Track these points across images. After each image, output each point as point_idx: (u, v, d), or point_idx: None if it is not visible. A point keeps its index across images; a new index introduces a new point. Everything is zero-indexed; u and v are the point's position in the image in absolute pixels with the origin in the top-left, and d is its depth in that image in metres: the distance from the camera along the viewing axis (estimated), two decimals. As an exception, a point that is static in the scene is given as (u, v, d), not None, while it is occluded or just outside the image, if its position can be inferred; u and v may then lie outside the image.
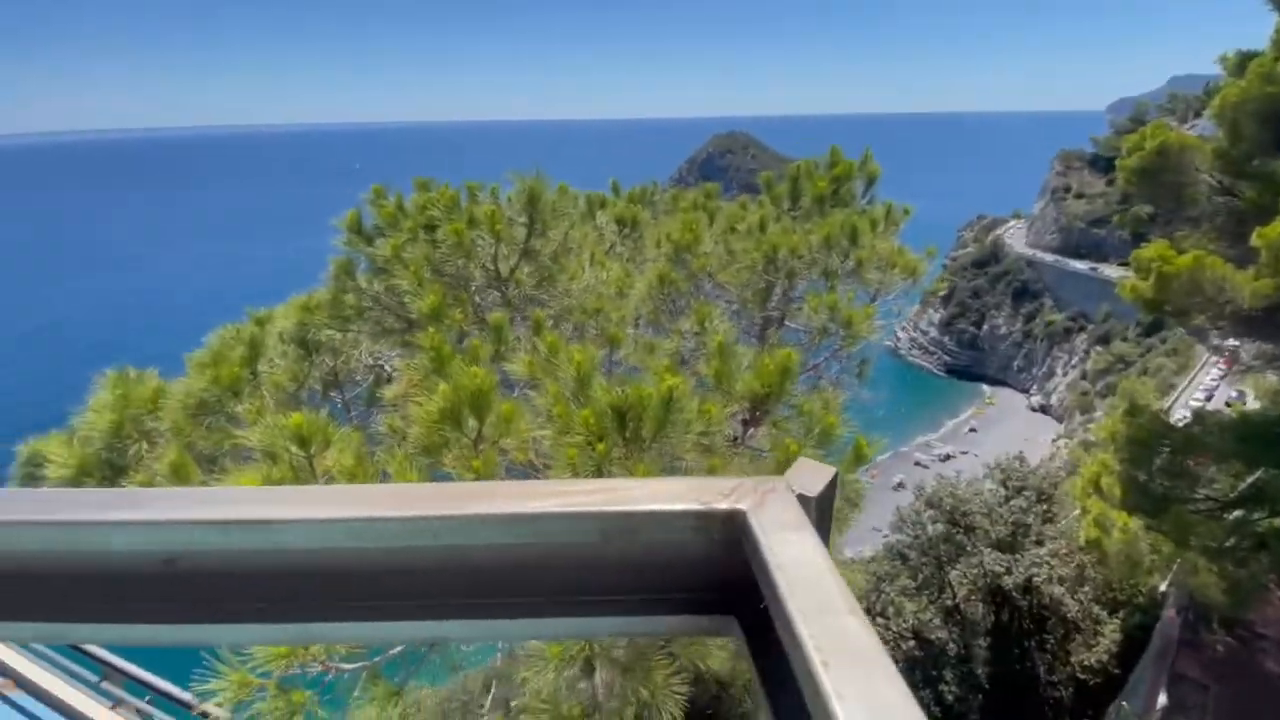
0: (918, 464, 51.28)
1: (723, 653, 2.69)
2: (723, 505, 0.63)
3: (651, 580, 0.69)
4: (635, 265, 5.53)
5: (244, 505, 0.65)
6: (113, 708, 6.41)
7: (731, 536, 0.64)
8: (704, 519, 0.64)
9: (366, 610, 0.70)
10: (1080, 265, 69.86)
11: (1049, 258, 74.10)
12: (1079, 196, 74.38)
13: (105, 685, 6.39)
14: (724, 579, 0.67)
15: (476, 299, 4.40)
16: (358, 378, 5.01)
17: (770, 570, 0.55)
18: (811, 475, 0.73)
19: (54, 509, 0.64)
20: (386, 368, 5.28)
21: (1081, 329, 67.87)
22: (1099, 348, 62.70)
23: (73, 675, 6.53)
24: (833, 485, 0.76)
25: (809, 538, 0.59)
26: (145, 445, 3.20)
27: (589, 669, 2.08)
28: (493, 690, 3.24)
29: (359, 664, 2.25)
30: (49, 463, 3.62)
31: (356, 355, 4.71)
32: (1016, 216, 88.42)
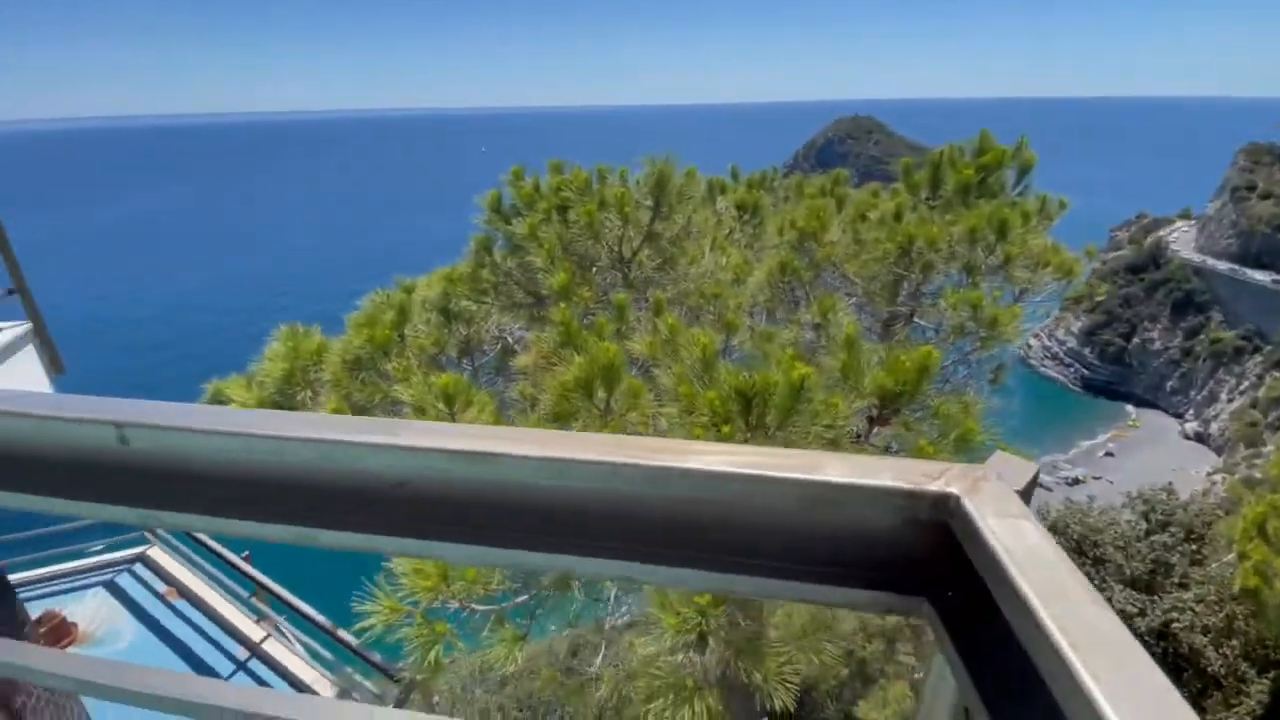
0: (1041, 485, 46.86)
1: (834, 648, 2.64)
2: (931, 487, 0.63)
3: (837, 552, 0.69)
4: (753, 252, 5.46)
5: (470, 439, 0.72)
6: (257, 622, 7.32)
7: (938, 519, 0.63)
8: (910, 498, 0.63)
9: (564, 544, 0.76)
10: (1261, 276, 60.25)
11: (1222, 265, 64.54)
12: (1266, 197, 63.96)
13: (253, 600, 7.32)
14: (919, 560, 0.66)
15: (599, 279, 4.54)
16: (485, 347, 5.33)
17: (997, 555, 0.54)
18: (1013, 469, 0.70)
19: (321, 429, 0.75)
20: (509, 339, 5.59)
21: (1256, 350, 58.81)
22: (1276, 373, 54.10)
23: (227, 590, 7.53)
24: (1034, 482, 0.73)
25: (1034, 526, 0.57)
26: (310, 393, 3.61)
27: (702, 644, 2.13)
28: (602, 651, 3.38)
29: (489, 607, 2.44)
30: (231, 401, 4.16)
31: (487, 326, 5.00)
32: (1184, 217, 77.73)
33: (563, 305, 3.38)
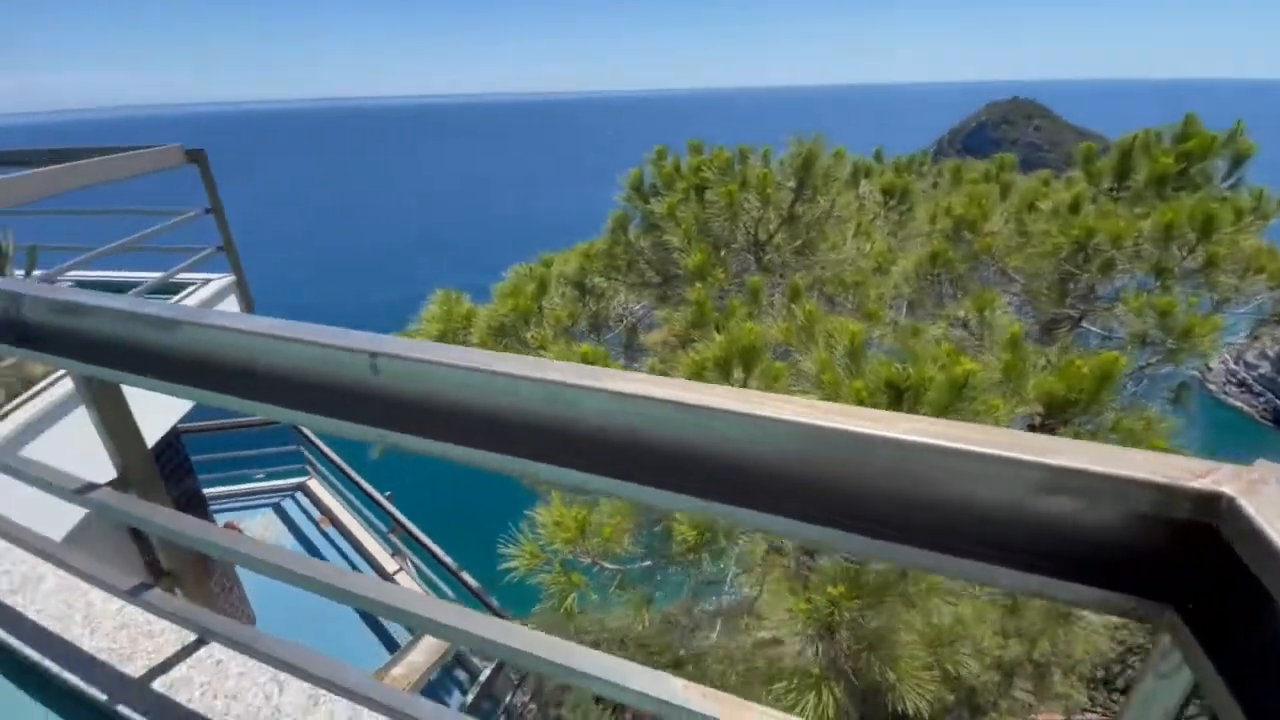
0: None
1: (975, 663, 2.48)
2: (1195, 484, 0.57)
3: (1065, 544, 0.65)
4: (897, 240, 5.17)
5: (680, 390, 0.75)
6: (392, 555, 8.10)
7: (1200, 520, 0.58)
8: (1165, 494, 0.58)
9: (758, 501, 0.77)
10: None
11: None
12: None
13: (391, 536, 8.12)
14: (1169, 562, 0.61)
15: (733, 260, 4.51)
16: (610, 323, 5.48)
17: (1295, 561, 0.48)
18: (1281, 478, 0.62)
19: (544, 371, 0.82)
20: (631, 318, 5.72)
21: None
22: None
23: (370, 524, 8.39)
24: (1307, 495, 0.64)
25: (1337, 536, 0.50)
26: (460, 353, 3.93)
27: (828, 633, 2.09)
28: (717, 627, 3.42)
29: (616, 567, 2.55)
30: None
31: (614, 304, 5.14)
32: None
33: (698, 285, 3.40)
